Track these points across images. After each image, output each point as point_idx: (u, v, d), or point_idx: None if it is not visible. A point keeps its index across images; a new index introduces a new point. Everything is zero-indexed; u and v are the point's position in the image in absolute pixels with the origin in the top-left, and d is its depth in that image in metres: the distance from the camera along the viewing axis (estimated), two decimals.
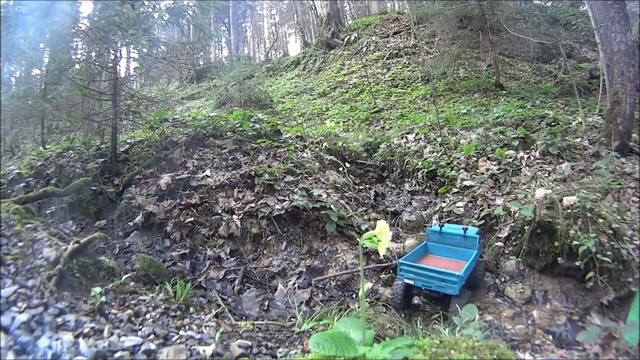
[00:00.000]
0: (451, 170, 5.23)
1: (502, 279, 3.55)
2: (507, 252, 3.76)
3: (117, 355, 1.59)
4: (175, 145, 4.91)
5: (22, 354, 1.42)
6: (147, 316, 2.16)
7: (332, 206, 4.14)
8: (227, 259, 3.66)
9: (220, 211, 3.95)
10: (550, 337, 2.72)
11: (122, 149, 4.98)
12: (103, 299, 2.08)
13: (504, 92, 9.60)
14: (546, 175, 4.49)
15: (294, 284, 3.44)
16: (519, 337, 2.74)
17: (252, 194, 4.23)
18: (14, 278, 1.88)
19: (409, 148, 6.38)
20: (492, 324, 2.92)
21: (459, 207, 4.59)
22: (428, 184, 5.59)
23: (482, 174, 4.92)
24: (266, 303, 3.23)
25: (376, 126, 8.81)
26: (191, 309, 2.48)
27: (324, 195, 4.31)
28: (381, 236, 1.34)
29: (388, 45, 14.66)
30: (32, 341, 1.48)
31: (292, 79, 15.66)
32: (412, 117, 8.43)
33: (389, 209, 5.24)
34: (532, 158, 4.92)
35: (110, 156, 4.69)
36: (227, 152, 4.97)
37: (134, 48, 4.53)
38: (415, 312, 3.25)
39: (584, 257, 3.04)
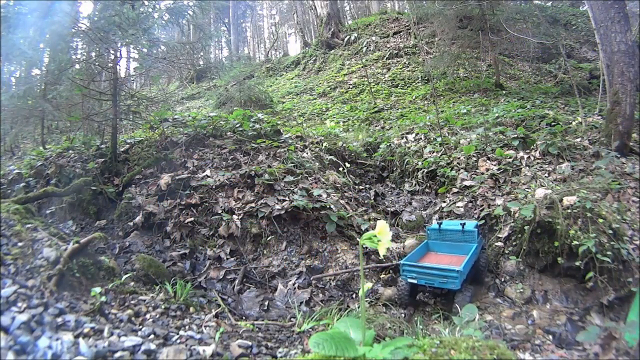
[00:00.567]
0: (451, 170, 5.23)
1: (502, 279, 3.55)
2: (507, 252, 3.76)
3: (117, 355, 1.59)
4: (175, 145, 4.91)
5: (22, 354, 1.42)
6: (147, 316, 2.16)
7: (332, 206, 4.14)
8: (227, 259, 3.66)
9: (220, 211, 3.95)
10: (550, 337, 2.72)
11: (122, 149, 4.98)
12: (103, 299, 2.07)
13: (504, 92, 9.60)
14: (546, 175, 4.48)
15: (294, 284, 3.44)
16: (519, 337, 2.74)
17: (252, 194, 4.23)
18: (14, 278, 1.88)
19: (409, 148, 6.38)
20: (492, 324, 2.93)
21: (459, 207, 4.59)
22: (428, 184, 5.59)
23: (482, 174, 4.92)
24: (266, 303, 3.23)
25: (376, 126, 8.81)
26: (191, 309, 2.48)
27: (324, 195, 4.31)
28: (381, 236, 1.34)
29: (388, 45, 14.67)
30: (32, 341, 1.48)
31: (292, 79, 15.66)
32: (412, 117, 8.43)
33: (389, 209, 5.24)
34: (532, 158, 4.91)
35: (110, 156, 4.69)
36: (227, 152, 4.97)
37: (134, 48, 4.53)
38: (420, 308, 3.32)
39: (584, 257, 3.04)
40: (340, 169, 5.73)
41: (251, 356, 1.99)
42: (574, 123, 5.90)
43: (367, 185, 5.97)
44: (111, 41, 4.10)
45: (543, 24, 10.20)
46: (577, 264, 3.07)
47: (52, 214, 4.18)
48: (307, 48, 18.21)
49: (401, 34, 15.38)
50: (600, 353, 2.21)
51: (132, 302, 2.28)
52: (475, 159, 5.34)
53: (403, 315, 3.17)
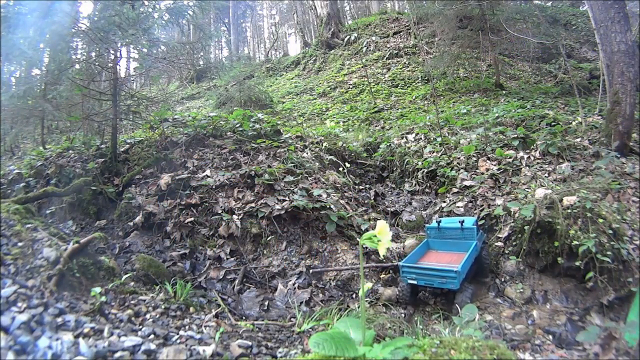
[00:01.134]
0: (451, 170, 5.23)
1: (502, 279, 3.55)
2: (507, 252, 3.76)
3: (117, 355, 1.59)
4: (175, 145, 4.91)
5: (22, 354, 1.42)
6: (147, 316, 2.16)
7: (332, 206, 4.14)
8: (227, 259, 3.66)
9: (220, 211, 3.95)
10: (550, 337, 2.72)
11: (122, 149, 4.98)
12: (103, 299, 2.07)
13: (504, 92, 9.60)
14: (546, 175, 4.48)
15: (294, 284, 3.44)
16: (519, 337, 2.73)
17: (252, 194, 4.23)
18: (14, 278, 1.88)
19: (409, 148, 6.38)
20: (492, 324, 2.92)
21: (459, 207, 4.59)
22: (428, 184, 5.59)
23: (482, 174, 4.92)
24: (266, 303, 3.23)
25: (376, 126, 8.81)
26: (191, 309, 2.48)
27: (324, 195, 4.31)
28: (381, 236, 1.34)
29: (388, 45, 14.67)
30: (32, 341, 1.48)
31: (292, 79, 15.66)
32: (412, 117, 8.43)
33: (389, 209, 5.24)
34: (532, 158, 4.91)
35: (110, 156, 4.69)
36: (227, 152, 4.97)
37: (134, 48, 4.53)
38: (421, 308, 3.33)
39: (584, 257, 3.04)
40: (340, 169, 5.73)
41: (251, 356, 1.99)
42: (574, 123, 5.90)
43: (367, 185, 5.97)
44: (111, 41, 4.10)
45: (543, 24, 10.20)
46: (577, 264, 3.06)
47: (52, 214, 4.18)
48: (307, 48, 18.22)
49: (401, 34, 15.38)
50: (600, 353, 2.21)
51: (132, 302, 2.28)
52: (475, 159, 5.34)
53: (403, 315, 3.17)
